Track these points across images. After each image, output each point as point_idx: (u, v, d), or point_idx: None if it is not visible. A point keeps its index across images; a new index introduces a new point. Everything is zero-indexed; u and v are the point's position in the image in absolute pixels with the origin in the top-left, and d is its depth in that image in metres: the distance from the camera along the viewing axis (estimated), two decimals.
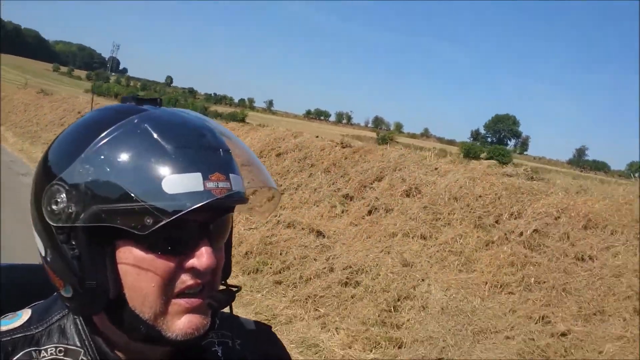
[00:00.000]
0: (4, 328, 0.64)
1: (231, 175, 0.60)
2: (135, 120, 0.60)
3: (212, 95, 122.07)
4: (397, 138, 59.43)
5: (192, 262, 0.60)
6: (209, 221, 0.61)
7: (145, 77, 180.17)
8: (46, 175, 0.61)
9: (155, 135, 0.58)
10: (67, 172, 0.58)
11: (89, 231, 0.58)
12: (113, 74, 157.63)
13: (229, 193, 0.59)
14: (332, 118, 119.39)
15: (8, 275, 0.85)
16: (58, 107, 17.10)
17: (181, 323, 0.60)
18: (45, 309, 0.68)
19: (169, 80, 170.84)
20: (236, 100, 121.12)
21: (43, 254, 0.63)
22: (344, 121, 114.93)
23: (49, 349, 0.63)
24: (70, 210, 0.57)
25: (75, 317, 0.65)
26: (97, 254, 0.59)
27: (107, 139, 0.58)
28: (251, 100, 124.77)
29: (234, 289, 0.67)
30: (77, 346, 0.64)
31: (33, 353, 0.63)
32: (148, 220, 0.55)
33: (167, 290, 0.59)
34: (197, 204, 0.55)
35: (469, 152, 42.68)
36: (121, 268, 0.59)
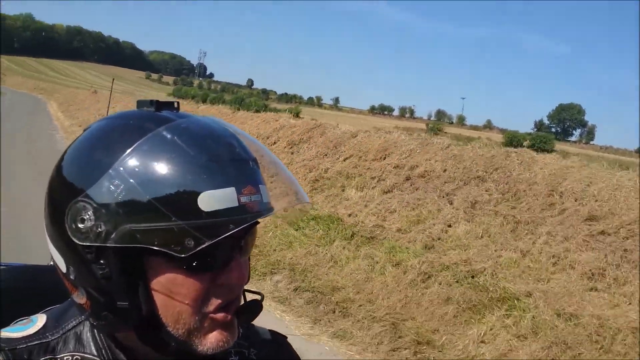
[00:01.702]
0: (18, 335, 0.62)
1: (260, 187, 0.59)
2: (164, 132, 0.57)
3: (284, 94, 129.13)
4: (446, 129, 61.10)
5: (227, 278, 0.59)
6: (242, 235, 0.60)
7: (229, 80, 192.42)
8: (68, 190, 0.58)
9: (186, 149, 0.56)
10: (94, 188, 0.55)
11: (120, 251, 0.55)
12: (199, 78, 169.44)
13: (263, 208, 0.58)
14: (396, 112, 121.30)
15: (10, 276, 0.84)
16: (102, 101, 21.55)
17: (213, 337, 0.60)
18: (60, 314, 0.66)
19: (250, 82, 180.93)
20: (305, 99, 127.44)
21: (64, 270, 0.60)
22: (407, 115, 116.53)
23: (65, 357, 0.62)
24: (99, 230, 0.55)
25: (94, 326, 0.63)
26: (128, 274, 0.56)
27: (135, 153, 0.55)
28: (319, 98, 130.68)
29: (259, 297, 0.67)
30: (93, 355, 0.63)
31: None
32: (189, 242, 0.54)
33: (201, 307, 0.58)
34: (240, 224, 0.55)
35: (512, 141, 43.85)
36: (153, 286, 0.57)
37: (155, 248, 0.54)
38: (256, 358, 0.75)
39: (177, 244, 0.54)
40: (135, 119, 0.60)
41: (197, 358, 0.61)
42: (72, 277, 0.59)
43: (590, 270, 4.48)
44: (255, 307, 0.65)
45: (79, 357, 0.62)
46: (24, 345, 0.61)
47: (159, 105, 0.62)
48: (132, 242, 0.54)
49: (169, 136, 0.57)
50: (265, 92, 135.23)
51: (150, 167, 0.55)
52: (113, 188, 0.55)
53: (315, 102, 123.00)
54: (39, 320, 0.65)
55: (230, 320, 0.61)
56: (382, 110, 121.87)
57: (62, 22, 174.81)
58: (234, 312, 0.62)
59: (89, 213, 0.55)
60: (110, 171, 0.55)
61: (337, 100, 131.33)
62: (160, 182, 0.54)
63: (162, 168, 0.55)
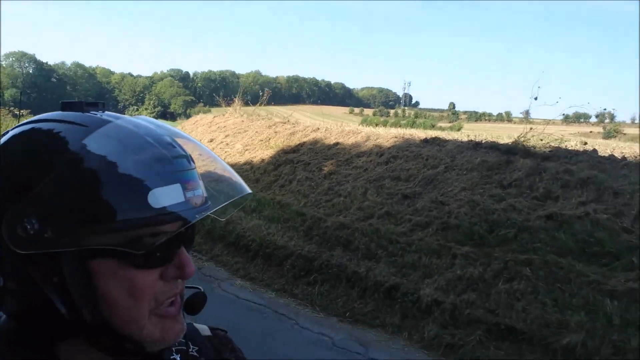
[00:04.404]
0: None
1: (199, 182, 0.59)
2: (104, 133, 0.56)
3: (474, 112, 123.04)
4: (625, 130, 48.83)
5: (173, 271, 0.58)
6: (184, 229, 0.58)
7: (435, 106, 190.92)
8: (2, 195, 0.54)
9: (129, 148, 0.55)
10: (37, 192, 0.52)
11: (68, 256, 0.53)
12: (404, 107, 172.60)
13: (205, 201, 0.58)
14: (593, 119, 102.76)
15: None
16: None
17: (164, 332, 0.59)
18: None
19: (451, 106, 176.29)
20: (494, 115, 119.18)
21: (0, 283, 0.55)
22: (607, 120, 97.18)
23: None
24: (47, 235, 0.51)
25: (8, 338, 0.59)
26: (80, 279, 0.54)
27: (77, 155, 0.53)
28: (508, 113, 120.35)
29: (199, 290, 0.67)
30: None
31: None
32: (145, 239, 0.53)
33: (150, 303, 0.57)
34: (192, 218, 0.55)
35: None
36: (103, 289, 0.55)
37: (110, 248, 0.53)
38: (198, 355, 0.73)
39: (132, 242, 0.53)
40: (70, 119, 0.58)
41: (142, 358, 0.60)
42: (8, 287, 0.56)
43: None
44: (200, 298, 0.67)
45: None
46: None
47: (87, 105, 0.61)
48: (84, 245, 0.53)
49: (110, 136, 0.56)
50: (455, 113, 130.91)
51: (95, 167, 0.53)
52: (58, 190, 0.53)
53: (504, 117, 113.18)
54: None
55: (178, 313, 0.61)
56: (577, 118, 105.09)
57: (283, 74, 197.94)
58: (180, 305, 0.62)
59: (32, 219, 0.52)
60: (51, 174, 0.53)
61: (527, 112, 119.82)
62: (107, 181, 0.53)
63: (107, 168, 0.53)
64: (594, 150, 6.97)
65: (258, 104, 13.06)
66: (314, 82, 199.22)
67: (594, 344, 4.11)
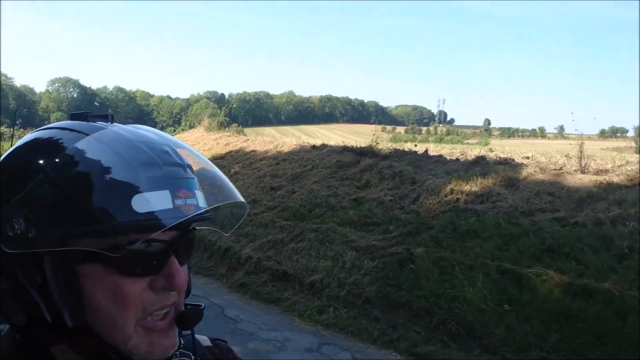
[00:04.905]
0: None
1: (196, 192, 0.59)
2: (97, 138, 0.57)
3: (507, 129, 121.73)
4: None
5: (162, 282, 0.58)
6: (177, 239, 0.59)
7: (471, 123, 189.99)
8: (1, 196, 0.56)
9: (119, 153, 0.56)
10: (25, 193, 0.54)
11: (54, 258, 0.54)
12: (439, 125, 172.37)
13: (198, 211, 0.58)
14: (631, 133, 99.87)
15: None
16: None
17: (151, 345, 0.58)
18: None
19: (487, 122, 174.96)
20: (529, 130, 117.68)
21: None
22: None
23: None
24: (31, 235, 0.53)
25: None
26: (62, 281, 0.54)
27: (66, 157, 0.55)
28: (541, 129, 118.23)
29: (201, 307, 0.65)
30: None
31: None
32: (122, 242, 0.53)
33: (137, 313, 0.56)
34: (172, 222, 0.54)
35: None
36: (88, 294, 0.55)
37: (88, 250, 0.53)
38: None
39: (109, 243, 0.53)
40: (69, 127, 0.60)
41: None
42: (2, 290, 0.57)
43: None
44: (195, 314, 0.63)
45: None
46: None
47: (93, 117, 0.62)
48: (65, 246, 0.53)
49: (102, 141, 0.57)
50: (487, 130, 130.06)
51: (82, 170, 0.54)
52: (43, 192, 0.54)
53: (538, 134, 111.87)
54: None
55: (167, 327, 0.60)
56: (614, 133, 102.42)
57: (316, 93, 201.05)
58: (173, 319, 0.61)
59: (19, 220, 0.53)
60: (40, 176, 0.54)
61: (561, 128, 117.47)
62: (93, 185, 0.53)
63: (94, 171, 0.54)
64: (426, 152, 8.65)
65: (217, 123, 15.03)
66: (347, 101, 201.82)
67: (328, 280, 5.87)
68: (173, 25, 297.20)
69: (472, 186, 6.74)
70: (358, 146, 9.31)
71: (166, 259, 0.58)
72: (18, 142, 0.61)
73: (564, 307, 4.59)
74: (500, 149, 11.34)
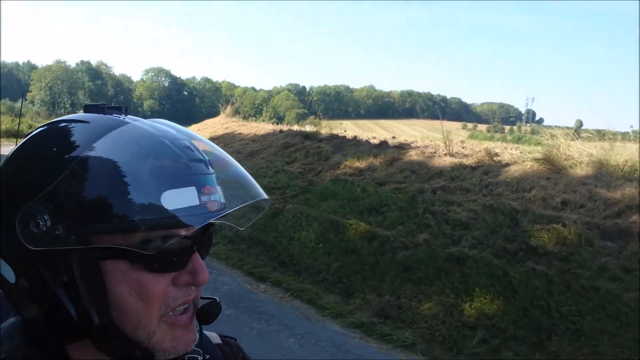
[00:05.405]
0: None
1: (217, 188, 0.59)
2: (122, 134, 0.57)
3: (599, 130, 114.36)
4: None
5: (186, 278, 0.59)
6: (200, 235, 0.60)
7: (560, 124, 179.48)
8: (17, 192, 0.56)
9: (146, 149, 0.56)
10: (50, 189, 0.53)
11: (79, 255, 0.54)
12: (527, 124, 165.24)
13: (221, 207, 0.58)
14: None
15: None
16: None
17: (175, 340, 0.59)
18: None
19: (579, 123, 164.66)
20: (621, 132, 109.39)
21: (12, 280, 0.57)
22: None
23: None
24: (58, 232, 0.52)
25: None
26: (88, 280, 0.54)
27: (94, 153, 0.54)
28: (635, 132, 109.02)
29: (215, 300, 0.66)
30: None
31: None
32: (155, 241, 0.54)
33: (161, 308, 0.57)
34: (202, 220, 0.55)
35: None
36: (113, 291, 0.55)
37: (120, 247, 0.53)
38: None
39: (142, 243, 0.53)
40: (93, 120, 0.59)
41: None
42: (20, 286, 0.56)
43: None
44: (214, 308, 0.65)
45: None
46: None
47: (109, 108, 0.62)
48: (93, 244, 0.53)
49: (127, 137, 0.57)
50: (576, 131, 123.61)
51: (109, 166, 0.54)
52: (69, 188, 0.53)
53: (630, 137, 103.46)
54: None
55: (190, 322, 0.61)
56: None
57: (397, 88, 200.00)
58: (193, 313, 0.62)
59: (44, 216, 0.53)
60: (67, 171, 0.54)
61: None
62: (121, 181, 0.53)
63: (122, 167, 0.53)
64: (354, 137, 10.28)
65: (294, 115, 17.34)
66: (429, 97, 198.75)
67: (223, 226, 7.82)
68: (263, 20, 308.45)
69: (362, 163, 8.37)
70: (304, 130, 11.13)
71: (190, 255, 0.59)
72: (33, 133, 0.61)
73: (354, 245, 6.26)
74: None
